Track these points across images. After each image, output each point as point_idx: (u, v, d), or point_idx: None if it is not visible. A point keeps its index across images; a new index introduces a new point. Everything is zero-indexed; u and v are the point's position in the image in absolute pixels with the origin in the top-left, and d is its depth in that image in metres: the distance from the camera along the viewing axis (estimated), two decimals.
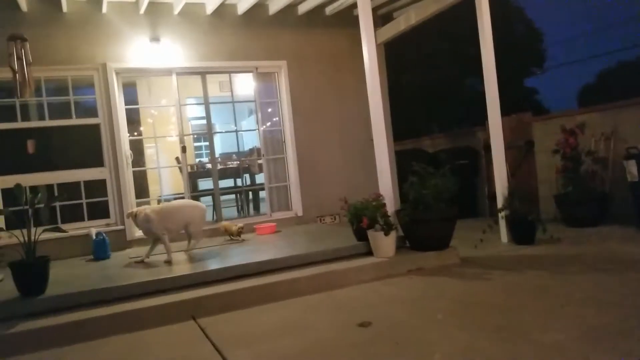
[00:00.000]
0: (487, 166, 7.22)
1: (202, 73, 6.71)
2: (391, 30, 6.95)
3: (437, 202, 4.52)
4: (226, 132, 9.79)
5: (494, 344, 2.67)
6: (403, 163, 6.86)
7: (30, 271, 3.79)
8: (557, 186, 6.20)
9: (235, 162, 8.05)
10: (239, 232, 5.83)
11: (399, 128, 7.59)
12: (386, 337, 2.93)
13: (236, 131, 7.97)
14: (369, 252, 4.59)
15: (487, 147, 6.45)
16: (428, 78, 10.12)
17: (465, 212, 6.18)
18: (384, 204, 4.67)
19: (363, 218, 4.55)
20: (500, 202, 5.32)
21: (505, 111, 5.50)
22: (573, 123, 6.00)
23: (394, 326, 3.11)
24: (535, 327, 2.84)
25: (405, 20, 6.61)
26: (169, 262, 4.72)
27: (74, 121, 6.14)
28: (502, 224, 5.31)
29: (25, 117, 6.02)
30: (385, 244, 4.47)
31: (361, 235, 4.69)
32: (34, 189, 4.11)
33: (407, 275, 4.31)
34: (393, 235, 4.47)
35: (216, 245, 5.61)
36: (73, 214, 6.05)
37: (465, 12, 5.80)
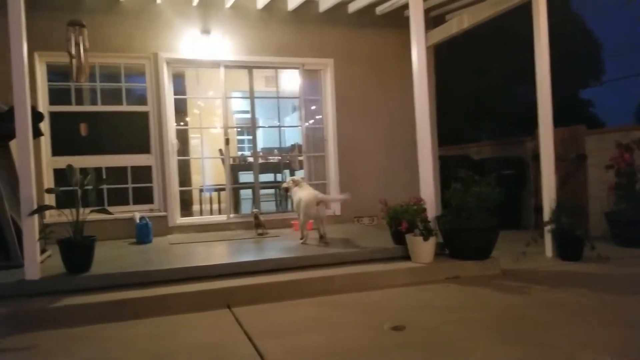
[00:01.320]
0: (535, 178, 6.99)
1: (249, 67, 6.79)
2: (442, 33, 6.82)
3: (480, 211, 4.41)
4: (269, 127, 9.89)
5: (525, 356, 2.57)
6: (446, 169, 6.74)
7: (77, 249, 3.94)
8: (608, 203, 5.94)
9: (276, 157, 8.11)
10: (260, 224, 5.79)
11: (445, 133, 7.45)
12: (419, 343, 2.87)
13: (279, 126, 8.04)
14: (406, 256, 4.53)
15: (536, 158, 6.25)
16: (478, 83, 9.87)
17: (509, 223, 6.03)
18: (425, 209, 4.59)
19: (402, 221, 4.48)
20: (546, 215, 5.13)
21: (557, 122, 5.31)
22: (629, 138, 5.73)
23: (428, 333, 3.04)
24: (577, 345, 2.72)
25: (457, 24, 6.46)
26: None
27: (125, 108, 6.35)
28: (548, 237, 5.12)
29: (79, 101, 6.28)
30: (423, 249, 4.39)
31: (399, 239, 4.63)
32: (84, 171, 4.26)
33: (444, 283, 4.22)
34: (432, 241, 4.40)
35: (245, 238, 5.67)
36: (119, 198, 6.26)
37: (521, 17, 5.64)
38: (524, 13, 5.28)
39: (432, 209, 4.72)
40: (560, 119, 5.58)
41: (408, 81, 5.02)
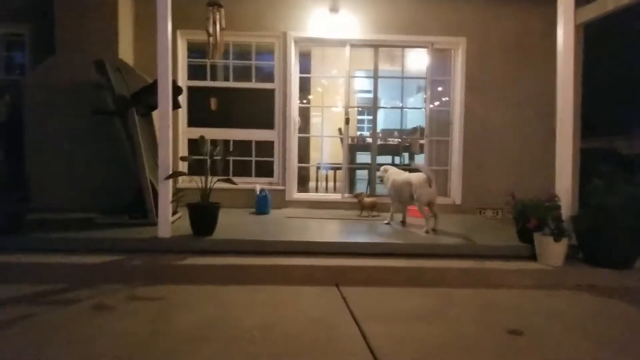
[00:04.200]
0: None
1: (376, 46, 6.65)
2: (595, 9, 5.96)
3: (625, 213, 3.84)
4: (391, 107, 9.70)
5: None
6: (588, 163, 5.99)
7: (203, 214, 4.24)
8: None
9: (396, 140, 7.93)
10: (372, 206, 5.78)
11: (590, 123, 6.63)
12: (537, 352, 2.59)
13: (401, 108, 7.82)
14: (532, 257, 4.13)
15: None
16: (634, 69, 8.64)
17: None
18: (559, 206, 4.12)
19: (531, 218, 4.08)
20: None
21: None
22: None
23: (549, 344, 2.72)
24: None
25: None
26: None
27: (253, 85, 6.64)
28: None
29: (213, 77, 6.70)
30: (553, 250, 3.96)
31: (525, 237, 4.23)
32: (214, 142, 4.55)
33: (574, 290, 3.76)
34: (564, 242, 3.94)
35: (357, 219, 5.68)
36: (243, 169, 6.63)
37: None
38: None
39: (567, 207, 4.21)
40: None
41: (551, 64, 4.49)
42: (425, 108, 6.79)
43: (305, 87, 7.26)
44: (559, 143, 4.36)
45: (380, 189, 6.45)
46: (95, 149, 5.55)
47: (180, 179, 5.79)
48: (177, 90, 4.82)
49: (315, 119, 8.24)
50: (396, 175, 5.15)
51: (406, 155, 7.58)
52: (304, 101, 7.29)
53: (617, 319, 3.20)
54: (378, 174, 5.50)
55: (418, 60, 7.01)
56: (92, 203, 5.34)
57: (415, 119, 8.10)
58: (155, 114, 4.83)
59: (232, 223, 4.92)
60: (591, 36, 6.62)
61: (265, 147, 6.65)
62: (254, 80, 6.65)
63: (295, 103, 6.61)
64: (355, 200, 5.92)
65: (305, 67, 7.28)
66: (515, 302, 3.47)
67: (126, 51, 5.99)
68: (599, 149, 7.37)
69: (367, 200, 5.84)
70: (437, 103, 6.89)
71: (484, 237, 4.68)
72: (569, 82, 4.34)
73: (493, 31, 6.56)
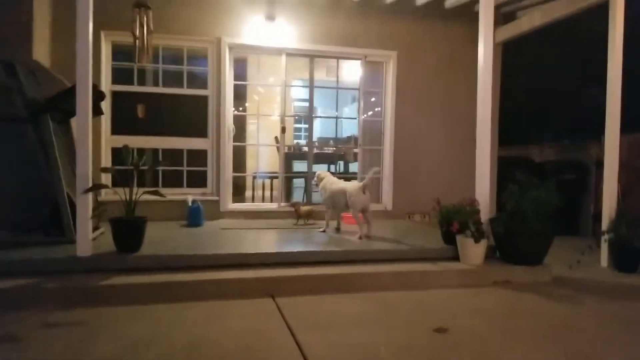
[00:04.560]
0: (597, 184, 6.60)
1: (311, 56, 6.66)
2: (512, 30, 6.46)
3: (536, 216, 4.21)
4: (326, 117, 9.77)
5: None
6: (505, 170, 6.41)
7: (128, 229, 3.98)
8: None
9: (331, 148, 7.98)
10: (308, 215, 5.79)
11: (507, 132, 7.12)
12: (462, 348, 2.75)
13: (336, 117, 7.89)
14: (456, 257, 4.38)
15: (599, 164, 5.88)
16: (546, 84, 9.31)
17: (566, 230, 5.78)
18: (478, 211, 4.41)
19: (454, 222, 4.33)
20: (605, 224, 4.84)
21: (626, 128, 5.02)
22: None
23: (472, 338, 2.92)
24: None
25: (528, 21, 6.11)
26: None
27: (185, 91, 6.39)
28: (604, 247, 4.86)
29: (141, 82, 6.36)
30: (474, 251, 4.23)
31: (449, 239, 4.48)
32: (141, 152, 4.31)
33: (492, 287, 4.07)
34: (483, 243, 4.22)
35: (294, 228, 5.65)
36: (174, 180, 6.34)
37: (596, 15, 5.24)
38: (599, 11, 4.96)
39: (486, 210, 4.51)
40: (630, 124, 5.21)
41: (473, 78, 4.75)
42: (358, 118, 6.88)
43: (241, 95, 7.12)
44: (478, 152, 4.64)
45: (316, 197, 6.47)
46: (2, 159, 5.00)
47: (103, 191, 5.43)
48: (98, 95, 4.54)
49: (251, 127, 8.11)
50: (331, 184, 5.19)
51: (341, 163, 7.65)
52: (240, 109, 7.15)
53: (530, 311, 3.51)
54: (313, 181, 5.53)
55: (353, 71, 7.10)
56: (1, 220, 4.81)
57: (350, 128, 8.21)
58: (73, 121, 4.49)
59: (161, 237, 4.67)
60: (510, 54, 7.08)
61: (198, 156, 6.43)
62: (185, 86, 6.43)
63: (229, 110, 6.45)
64: (292, 209, 5.89)
65: (241, 74, 7.14)
66: (441, 302, 3.69)
67: (43, 52, 5.57)
68: (515, 157, 7.95)
69: (304, 208, 5.82)
70: (370, 113, 7.02)
71: (412, 240, 4.89)
72: (488, 95, 4.64)
73: (421, 46, 6.81)
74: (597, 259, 4.92)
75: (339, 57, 6.82)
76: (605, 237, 4.83)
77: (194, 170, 6.41)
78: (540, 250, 4.36)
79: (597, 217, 5.51)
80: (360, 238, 4.83)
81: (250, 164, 7.99)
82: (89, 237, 3.87)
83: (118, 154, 5.81)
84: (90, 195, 3.87)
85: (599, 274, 4.63)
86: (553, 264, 4.39)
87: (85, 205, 3.82)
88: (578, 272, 4.64)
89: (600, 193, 5.20)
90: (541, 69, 9.47)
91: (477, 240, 4.18)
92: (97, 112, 4.49)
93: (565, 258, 4.90)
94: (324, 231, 5.27)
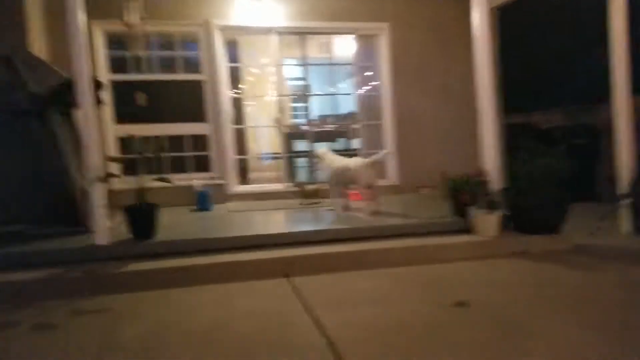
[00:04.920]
0: (609, 148, 6.49)
1: (302, 33, 6.63)
2: None
3: (548, 184, 4.13)
4: (322, 94, 9.72)
5: (607, 343, 2.38)
6: (512, 138, 6.37)
7: (141, 216, 4.04)
8: None
9: (331, 126, 7.99)
10: (314, 194, 5.80)
11: (511, 99, 7.04)
12: (485, 322, 2.71)
13: (332, 94, 7.87)
14: (467, 229, 4.33)
15: (610, 127, 5.77)
16: (548, 47, 9.23)
17: (583, 196, 5.62)
18: (488, 181, 4.37)
19: (463, 194, 4.29)
20: (624, 188, 4.73)
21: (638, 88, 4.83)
22: None
23: (495, 311, 2.87)
24: None
25: None
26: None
27: (180, 76, 6.38)
28: (625, 212, 4.74)
29: (137, 70, 6.31)
30: (488, 222, 4.17)
31: (459, 211, 4.44)
32: (146, 140, 4.32)
33: (509, 258, 4.00)
34: (497, 214, 4.18)
35: (302, 207, 5.67)
36: (180, 166, 6.39)
37: None
38: None
39: (496, 180, 4.47)
40: None
41: (470, 46, 4.72)
42: (355, 93, 6.87)
43: (236, 77, 7.10)
44: (481, 120, 4.60)
45: (320, 176, 6.51)
46: (11, 155, 5.00)
47: (113, 181, 5.47)
48: (97, 85, 4.53)
49: (249, 109, 8.09)
50: (334, 161, 5.19)
51: (342, 140, 7.67)
52: (236, 91, 7.13)
53: (552, 281, 3.43)
54: (315, 160, 5.51)
55: (346, 46, 7.07)
56: (17, 214, 4.85)
57: (349, 104, 8.20)
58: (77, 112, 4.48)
59: (174, 223, 4.74)
60: (510, 19, 7.00)
61: (202, 141, 6.45)
62: (180, 71, 6.39)
63: (226, 94, 6.44)
64: (297, 189, 5.93)
65: (234, 56, 7.10)
66: (458, 275, 3.63)
67: (39, 44, 5.52)
68: (522, 124, 7.87)
69: (309, 187, 5.86)
70: (367, 88, 7.01)
71: (423, 214, 4.83)
72: (486, 62, 4.56)
73: (414, 17, 6.76)
74: (617, 224, 4.76)
75: (330, 33, 6.78)
76: (624, 201, 4.70)
77: (199, 155, 6.43)
78: (557, 217, 4.25)
79: (612, 180, 5.32)
80: (368, 215, 4.80)
81: (252, 146, 8.00)
82: (106, 226, 3.93)
83: (124, 143, 5.84)
84: (102, 185, 3.91)
85: (622, 240, 4.52)
86: (572, 232, 4.30)
87: (99, 195, 3.87)
88: (599, 239, 4.50)
89: (614, 157, 4.99)
90: (542, 32, 9.35)
91: (490, 211, 4.14)
92: (98, 101, 4.46)
93: (584, 225, 4.72)
94: (331, 209, 5.31)
